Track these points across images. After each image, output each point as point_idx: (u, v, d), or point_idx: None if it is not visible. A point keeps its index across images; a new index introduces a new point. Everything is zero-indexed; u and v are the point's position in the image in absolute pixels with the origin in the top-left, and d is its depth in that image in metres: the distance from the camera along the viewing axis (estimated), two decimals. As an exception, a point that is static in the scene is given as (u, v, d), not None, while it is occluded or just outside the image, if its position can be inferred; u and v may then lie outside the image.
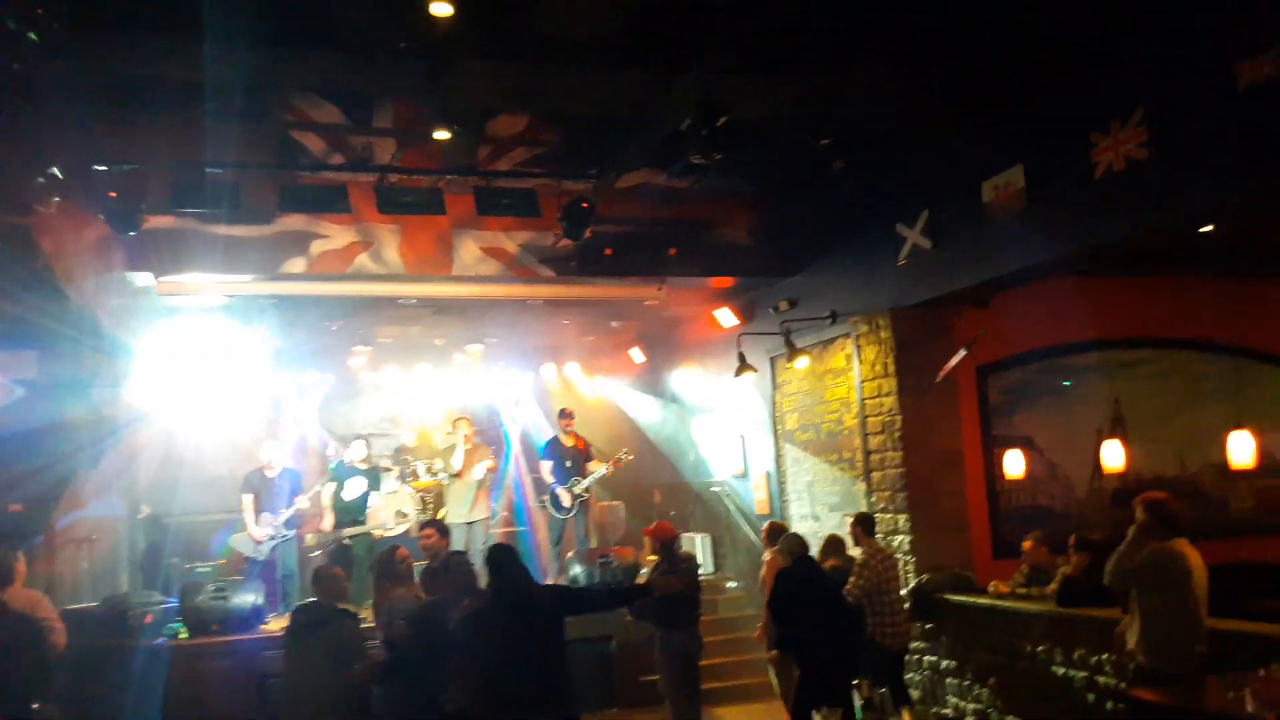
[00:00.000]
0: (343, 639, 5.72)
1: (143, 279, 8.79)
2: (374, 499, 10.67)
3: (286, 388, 12.14)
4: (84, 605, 9.37)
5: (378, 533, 11.07)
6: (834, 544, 8.05)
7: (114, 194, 7.41)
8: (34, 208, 7.63)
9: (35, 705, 5.28)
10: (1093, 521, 8.57)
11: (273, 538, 9.91)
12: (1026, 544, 7.67)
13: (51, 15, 5.42)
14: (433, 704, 5.78)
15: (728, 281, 10.49)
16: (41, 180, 7.24)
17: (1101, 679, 6.55)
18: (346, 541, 10.30)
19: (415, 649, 5.65)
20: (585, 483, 10.94)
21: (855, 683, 6.34)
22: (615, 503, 12.68)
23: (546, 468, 11.14)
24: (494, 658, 5.11)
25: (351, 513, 10.56)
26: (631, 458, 11.41)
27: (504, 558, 5.58)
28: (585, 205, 8.13)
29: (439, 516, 11.11)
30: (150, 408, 10.68)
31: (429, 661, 5.68)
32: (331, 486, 10.61)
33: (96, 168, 7.49)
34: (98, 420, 10.15)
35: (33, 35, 5.34)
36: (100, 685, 7.88)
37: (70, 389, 9.86)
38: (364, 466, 10.85)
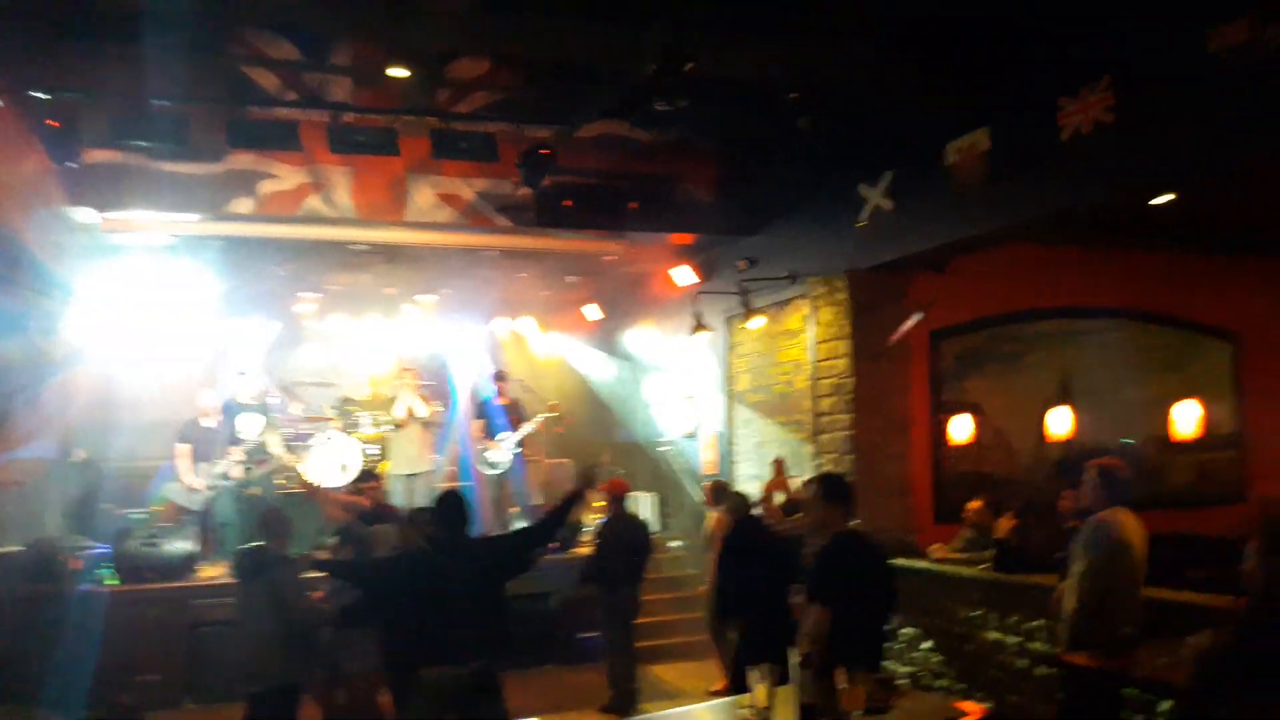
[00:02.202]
0: (286, 585, 5.65)
1: (84, 215, 8.49)
2: (273, 440, 10.35)
3: (231, 333, 11.85)
4: (9, 549, 9.14)
5: (318, 484, 10.91)
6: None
7: (54, 122, 7.12)
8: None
9: None
10: (1034, 489, 8.67)
11: (210, 487, 9.70)
12: (975, 505, 7.71)
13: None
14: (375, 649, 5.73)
15: (688, 238, 10.38)
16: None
17: (1035, 645, 6.60)
18: (254, 490, 9.99)
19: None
20: (514, 438, 10.93)
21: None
22: (563, 460, 12.61)
23: (478, 426, 11.15)
24: (424, 603, 5.05)
25: (255, 453, 10.15)
26: (557, 409, 11.35)
27: (447, 506, 5.49)
28: (545, 151, 7.98)
29: (381, 468, 11.01)
30: (89, 349, 10.38)
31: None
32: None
33: (35, 94, 7.18)
34: (33, 360, 9.84)
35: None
36: (26, 630, 7.71)
37: (4, 327, 9.54)
38: (254, 402, 10.47)
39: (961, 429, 8.62)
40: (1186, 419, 7.63)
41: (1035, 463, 9.02)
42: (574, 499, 5.72)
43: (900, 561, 7.90)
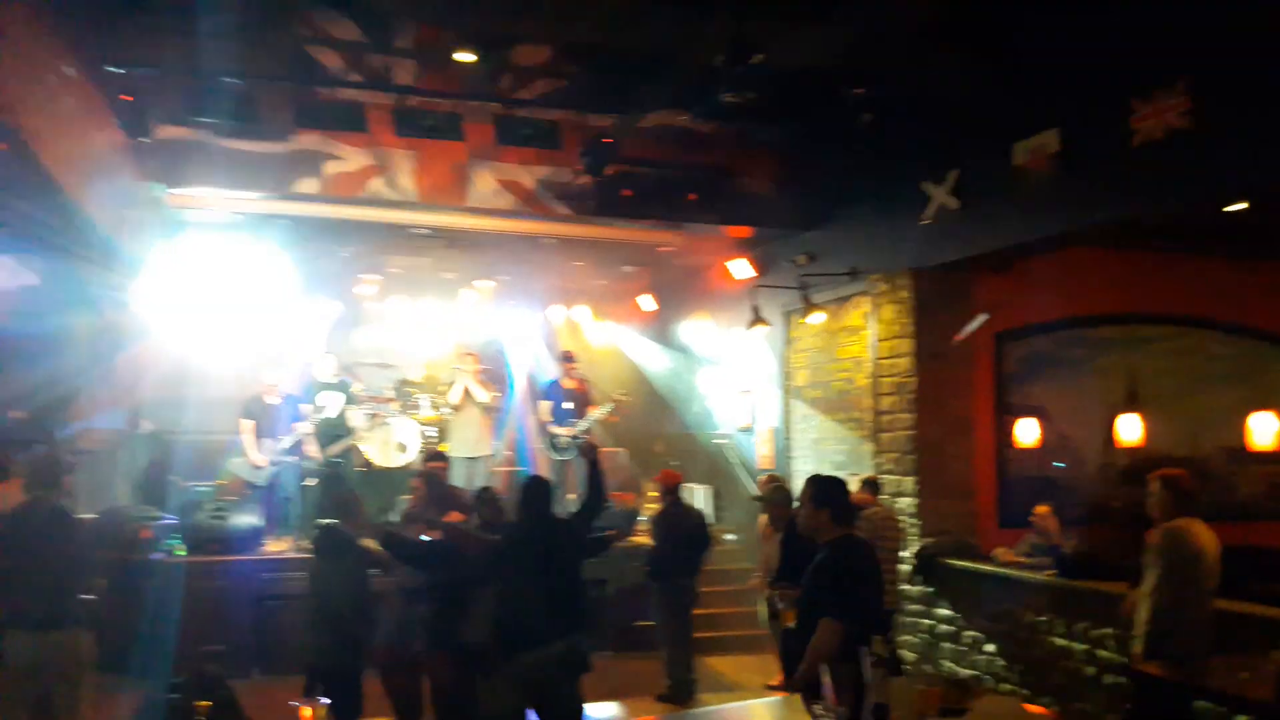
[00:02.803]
0: (359, 569, 5.76)
1: (153, 191, 8.61)
2: (354, 415, 10.55)
3: (294, 312, 11.98)
4: (82, 516, 9.33)
5: (377, 463, 11.03)
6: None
7: (127, 97, 7.22)
8: (42, 109, 7.44)
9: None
10: (1099, 496, 8.52)
11: (273, 463, 9.85)
12: (1042, 509, 7.60)
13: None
14: (451, 635, 5.75)
15: (746, 231, 10.31)
16: (53, 79, 7.06)
17: (1103, 653, 6.52)
18: (337, 460, 10.22)
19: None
20: (582, 424, 10.90)
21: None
22: (618, 449, 12.62)
23: (545, 408, 11.12)
24: (519, 589, 5.10)
25: (333, 429, 10.35)
26: (627, 398, 11.36)
27: (532, 491, 5.58)
28: (608, 141, 7.97)
29: (440, 449, 11.07)
30: (157, 323, 10.54)
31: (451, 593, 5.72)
32: (308, 409, 10.34)
33: (110, 70, 7.30)
34: (103, 332, 10.02)
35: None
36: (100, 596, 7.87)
37: (75, 300, 9.72)
38: (334, 380, 10.67)
39: (1027, 432, 8.49)
40: (1263, 430, 7.41)
41: (1101, 470, 8.86)
42: (594, 473, 5.96)
43: (963, 564, 7.85)
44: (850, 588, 4.25)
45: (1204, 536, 5.30)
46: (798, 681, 4.00)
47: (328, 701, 4.82)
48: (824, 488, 4.56)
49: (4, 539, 5.58)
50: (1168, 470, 5.55)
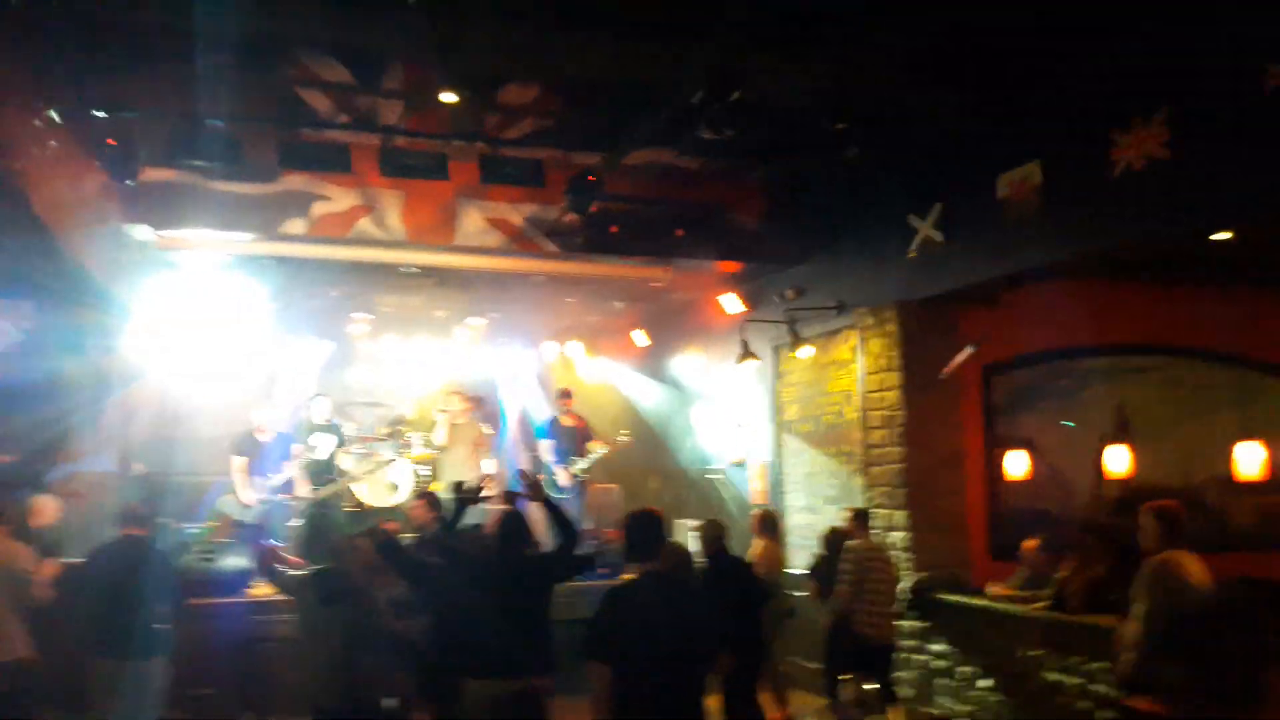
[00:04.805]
0: (365, 616, 5.60)
1: (141, 233, 8.64)
2: (345, 458, 10.51)
3: (285, 351, 11.99)
4: (72, 560, 9.27)
5: (369, 503, 10.98)
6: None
7: (113, 141, 7.26)
8: (29, 153, 7.48)
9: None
10: (1091, 528, 8.44)
11: (262, 502, 9.80)
12: (1030, 543, 7.54)
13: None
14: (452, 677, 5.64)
15: (735, 266, 10.32)
16: (38, 124, 7.09)
17: (1096, 687, 6.43)
18: (326, 501, 10.18)
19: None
20: (583, 463, 10.83)
21: (842, 679, 6.23)
22: (611, 485, 12.53)
23: (545, 447, 11.07)
24: (476, 613, 5.07)
25: (324, 470, 10.40)
26: (630, 439, 11.30)
27: (509, 526, 5.60)
28: (591, 178, 7.99)
29: (431, 489, 10.98)
30: (147, 365, 10.54)
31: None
32: (298, 449, 10.40)
33: (96, 113, 7.34)
34: (94, 375, 10.01)
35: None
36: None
37: (66, 343, 9.72)
38: (326, 422, 10.72)
39: (1016, 465, 8.43)
40: (1250, 460, 7.36)
41: (1093, 501, 8.79)
42: (552, 511, 5.84)
43: (956, 599, 7.78)
44: (635, 628, 4.35)
45: (1193, 568, 5.25)
46: None
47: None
48: (632, 525, 4.63)
49: (96, 572, 6.14)
50: (1157, 501, 5.52)
